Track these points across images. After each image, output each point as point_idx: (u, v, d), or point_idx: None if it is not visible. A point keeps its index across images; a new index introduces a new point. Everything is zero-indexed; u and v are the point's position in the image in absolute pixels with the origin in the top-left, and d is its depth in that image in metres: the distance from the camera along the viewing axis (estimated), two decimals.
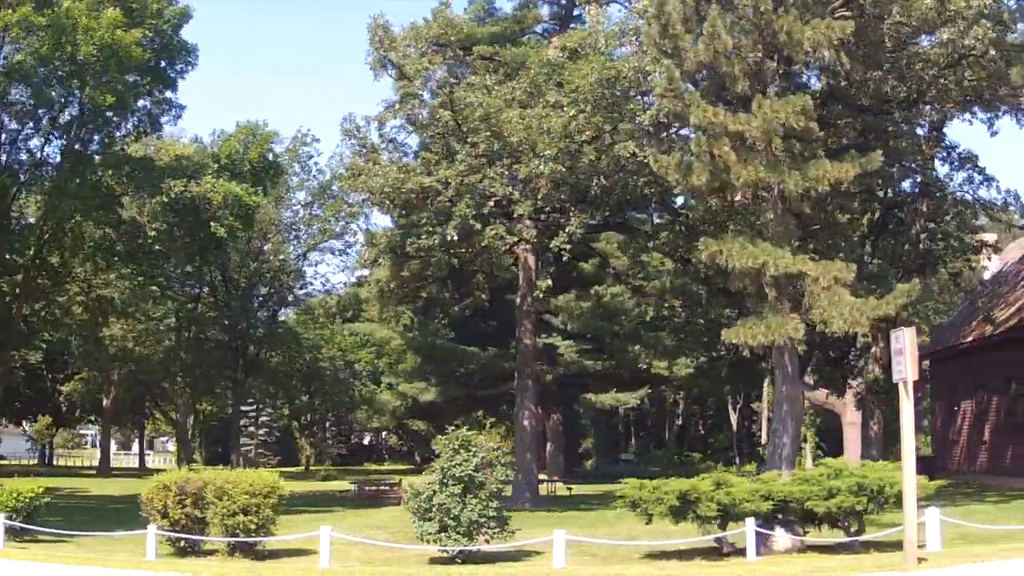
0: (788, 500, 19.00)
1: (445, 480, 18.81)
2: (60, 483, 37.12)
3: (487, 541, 19.00)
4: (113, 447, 55.15)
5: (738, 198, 22.53)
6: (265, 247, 30.85)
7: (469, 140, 24.70)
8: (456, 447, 18.98)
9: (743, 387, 44.13)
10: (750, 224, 23.04)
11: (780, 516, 19.27)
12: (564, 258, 26.08)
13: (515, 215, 25.16)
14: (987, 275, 34.36)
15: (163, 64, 26.21)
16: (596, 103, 22.89)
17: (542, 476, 35.86)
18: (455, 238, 24.30)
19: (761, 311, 21.95)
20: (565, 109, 23.40)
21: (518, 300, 28.77)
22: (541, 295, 27.49)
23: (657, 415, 54.17)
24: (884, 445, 37.55)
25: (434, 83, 25.90)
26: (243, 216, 26.69)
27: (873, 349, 29.32)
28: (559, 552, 18.01)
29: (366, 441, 69.29)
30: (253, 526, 19.55)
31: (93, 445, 68.64)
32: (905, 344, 14.33)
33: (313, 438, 56.15)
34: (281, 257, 30.71)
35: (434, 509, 18.81)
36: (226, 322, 30.61)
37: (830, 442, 43.24)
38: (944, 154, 29.73)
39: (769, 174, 21.15)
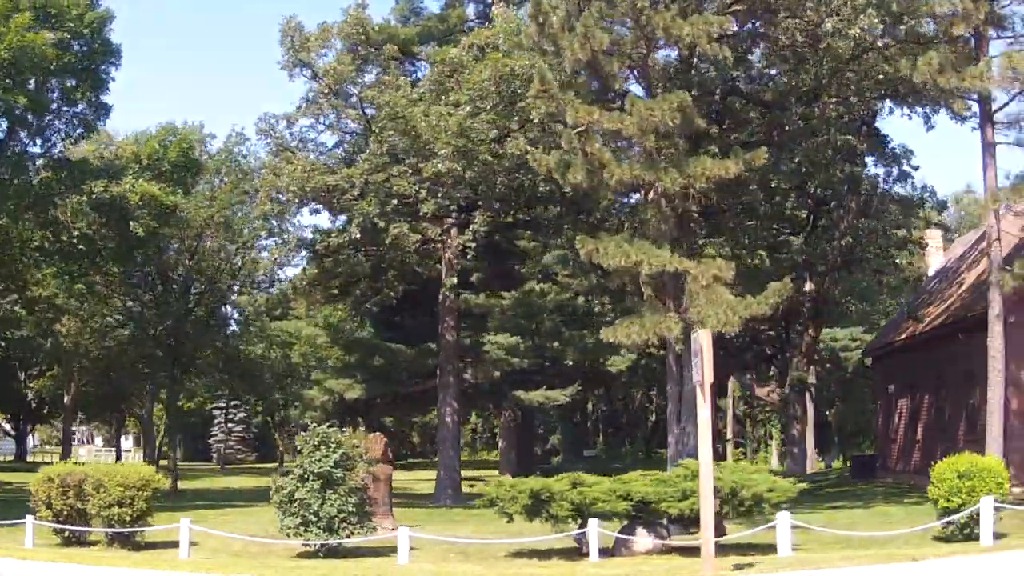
0: (646, 501, 18.99)
1: (305, 476, 19.15)
2: None
3: (348, 535, 19.30)
4: (99, 443, 56.46)
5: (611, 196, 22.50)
6: (204, 245, 31.34)
7: (374, 139, 24.93)
8: (316, 444, 19.29)
9: None
10: (642, 222, 23.00)
11: (642, 516, 19.29)
12: (476, 255, 26.19)
13: (421, 213, 25.39)
14: (931, 271, 33.73)
15: (94, 66, 26.85)
16: (492, 102, 22.97)
17: (494, 472, 36.12)
18: (358, 236, 24.62)
19: (640, 310, 21.95)
20: (461, 107, 23.53)
21: (440, 297, 28.98)
22: (448, 292, 27.65)
23: (627, 412, 54.13)
24: (824, 441, 37.26)
25: (344, 83, 26.20)
26: (161, 215, 27.24)
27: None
28: (403, 549, 18.31)
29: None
30: (128, 518, 20.05)
31: (82, 442, 70.07)
32: (702, 346, 14.27)
33: (290, 435, 56.90)
34: (223, 256, 31.14)
35: (296, 504, 19.18)
36: (162, 320, 31.28)
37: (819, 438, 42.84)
38: (878, 150, 29.36)
39: (644, 172, 21.14)
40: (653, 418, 53.14)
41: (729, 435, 41.90)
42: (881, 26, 21.59)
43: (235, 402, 53.98)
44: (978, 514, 19.29)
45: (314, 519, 18.94)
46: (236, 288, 33.29)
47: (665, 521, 19.68)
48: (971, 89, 21.03)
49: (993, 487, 19.37)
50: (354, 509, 19.27)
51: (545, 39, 21.81)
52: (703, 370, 14.05)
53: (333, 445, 19.25)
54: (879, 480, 30.66)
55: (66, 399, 45.72)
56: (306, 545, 19.36)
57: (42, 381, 46.49)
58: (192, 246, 29.83)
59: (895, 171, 26.43)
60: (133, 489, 20.11)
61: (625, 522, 19.50)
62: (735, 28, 22.19)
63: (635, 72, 22.50)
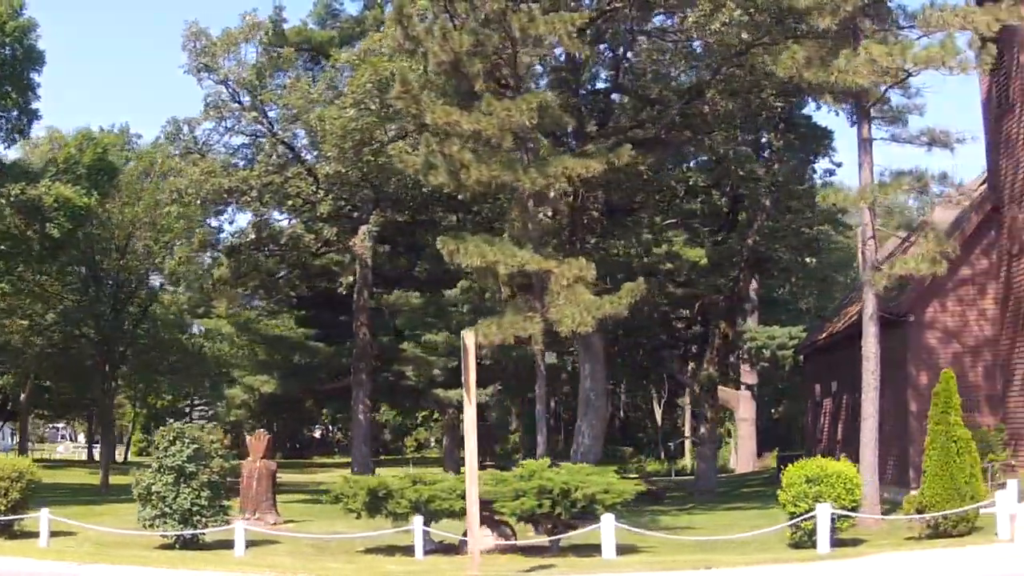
0: (485, 500, 19.07)
1: (161, 469, 19.67)
2: None
3: (204, 527, 19.75)
4: (81, 439, 57.75)
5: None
6: (134, 245, 32.05)
7: (268, 141, 25.32)
8: (172, 439, 19.79)
9: (664, 382, 43.60)
10: (510, 223, 23.05)
11: (488, 514, 19.36)
12: (392, 254, 26.45)
13: (318, 214, 25.72)
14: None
15: (19, 72, 27.64)
16: (375, 105, 23.19)
17: (438, 469, 36.32)
18: (252, 237, 25.00)
19: (503, 309, 22.02)
20: (346, 110, 23.79)
21: (355, 295, 29.30)
22: (345, 292, 27.97)
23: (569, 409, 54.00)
24: (766, 440, 36.83)
25: (246, 87, 26.59)
26: (76, 217, 27.95)
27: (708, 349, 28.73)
28: (239, 543, 18.73)
29: (317, 434, 70.82)
30: (2, 507, 20.77)
31: (64, 439, 71.19)
32: (468, 347, 14.36)
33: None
34: (154, 257, 31.79)
35: (154, 497, 19.71)
36: (93, 319, 32.11)
37: (766, 436, 42.36)
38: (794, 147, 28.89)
39: (502, 173, 21.17)
40: (622, 415, 52.95)
41: (687, 433, 41.59)
42: (745, 19, 21.30)
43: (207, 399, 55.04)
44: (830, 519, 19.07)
45: (169, 511, 19.50)
46: (161, 287, 33.88)
47: (515, 520, 19.84)
48: (838, 84, 20.64)
49: (841, 492, 19.08)
50: (206, 502, 19.73)
51: (409, 41, 21.94)
52: (469, 370, 14.14)
53: (187, 440, 19.76)
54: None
55: (22, 397, 46.97)
56: (164, 536, 19.91)
57: (5, 379, 47.77)
58: (123, 246, 30.55)
59: (815, 166, 25.98)
60: (8, 480, 20.85)
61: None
62: (602, 25, 22.01)
63: (505, 72, 22.49)
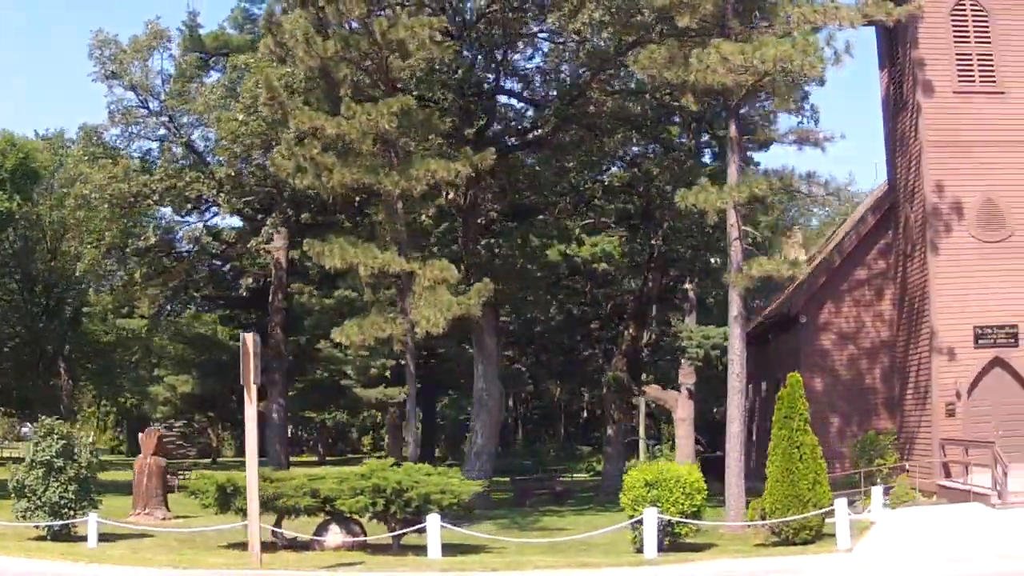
0: (329, 498, 19.34)
1: (32, 464, 20.32)
2: None
3: (72, 518, 20.31)
4: None
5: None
6: (65, 248, 32.69)
7: (165, 146, 25.80)
8: (43, 435, 20.43)
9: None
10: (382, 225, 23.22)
11: (330, 511, 19.59)
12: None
13: (221, 216, 26.22)
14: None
15: None
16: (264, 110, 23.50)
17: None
18: (152, 241, 25.52)
19: (369, 310, 22.25)
20: (237, 115, 24.17)
21: (270, 296, 29.73)
22: (246, 293, 28.39)
23: (550, 408, 53.68)
24: (712, 442, 36.31)
25: (151, 93, 27.07)
26: None
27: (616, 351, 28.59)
28: (92, 535, 19.28)
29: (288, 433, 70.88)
30: None
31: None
32: (249, 349, 14.63)
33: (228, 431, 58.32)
34: (86, 259, 32.22)
35: (26, 490, 20.37)
36: (20, 320, 32.91)
37: (714, 437, 41.64)
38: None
39: (364, 176, 21.38)
40: (585, 415, 52.78)
41: (642, 432, 41.34)
42: (607, 19, 21.20)
43: None
44: (669, 524, 18.91)
45: (40, 504, 20.12)
46: (88, 288, 34.41)
47: (367, 518, 20.09)
48: (699, 83, 20.43)
49: (679, 497, 18.92)
50: (74, 496, 20.31)
51: (279, 48, 22.23)
52: (249, 371, 14.43)
53: (56, 436, 20.38)
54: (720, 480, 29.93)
55: None
56: (37, 528, 20.55)
57: None
58: (53, 248, 31.29)
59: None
60: None
61: (327, 518, 19.96)
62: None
63: (377, 77, 22.67)
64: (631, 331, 29.31)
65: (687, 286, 31.16)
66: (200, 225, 26.14)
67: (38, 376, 34.04)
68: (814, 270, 25.56)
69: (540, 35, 22.05)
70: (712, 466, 32.05)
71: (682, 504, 18.53)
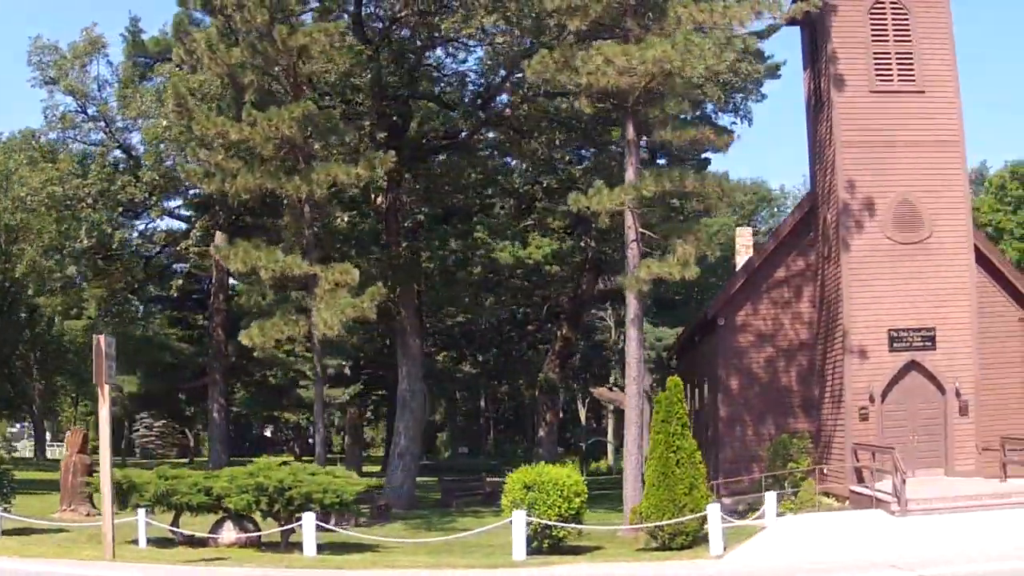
0: (220, 496, 19.74)
1: None
2: None
3: None
4: (48, 437, 60.31)
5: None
6: (14, 251, 33.00)
7: (99, 151, 26.36)
8: None
9: (591, 382, 43.08)
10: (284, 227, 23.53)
11: (226, 509, 19.96)
12: None
13: (152, 218, 26.67)
14: (737, 270, 32.08)
15: None
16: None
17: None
18: (86, 244, 26.16)
19: (275, 311, 22.61)
20: (160, 121, 24.65)
21: (211, 297, 30.22)
22: (176, 294, 28.92)
23: (520, 409, 53.60)
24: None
25: (88, 98, 27.64)
26: None
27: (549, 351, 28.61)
28: None
29: (268, 433, 71.77)
30: None
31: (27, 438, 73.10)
32: (102, 350, 15.11)
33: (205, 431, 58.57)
34: (25, 260, 32.28)
35: None
36: None
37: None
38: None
39: (266, 180, 21.74)
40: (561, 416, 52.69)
41: (610, 436, 41.13)
42: (503, 23, 21.29)
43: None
44: (543, 527, 18.94)
45: None
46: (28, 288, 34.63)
47: (259, 516, 20.46)
48: (592, 85, 20.42)
49: (556, 500, 18.94)
50: None
51: (189, 56, 22.68)
52: (101, 371, 14.95)
53: None
54: None
55: None
56: None
57: None
58: (7, 250, 31.76)
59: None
60: None
61: (223, 515, 20.38)
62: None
63: (286, 81, 22.98)
64: (564, 332, 29.33)
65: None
66: (136, 227, 26.75)
67: (4, 378, 34.89)
68: (735, 272, 25.43)
69: (448, 40, 22.15)
70: None
71: (559, 507, 18.58)
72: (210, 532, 20.19)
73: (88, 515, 24.76)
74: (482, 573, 16.99)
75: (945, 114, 23.74)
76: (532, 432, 55.56)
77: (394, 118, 23.77)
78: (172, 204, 27.47)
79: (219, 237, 26.98)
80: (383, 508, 24.49)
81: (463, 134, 24.53)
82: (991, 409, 26.27)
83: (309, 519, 18.39)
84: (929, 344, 23.18)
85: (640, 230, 21.05)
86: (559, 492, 18.60)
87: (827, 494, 23.42)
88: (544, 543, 18.77)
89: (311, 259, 21.90)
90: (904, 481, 20.71)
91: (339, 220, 24.72)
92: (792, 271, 25.07)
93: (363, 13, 23.34)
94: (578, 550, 19.37)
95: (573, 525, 18.73)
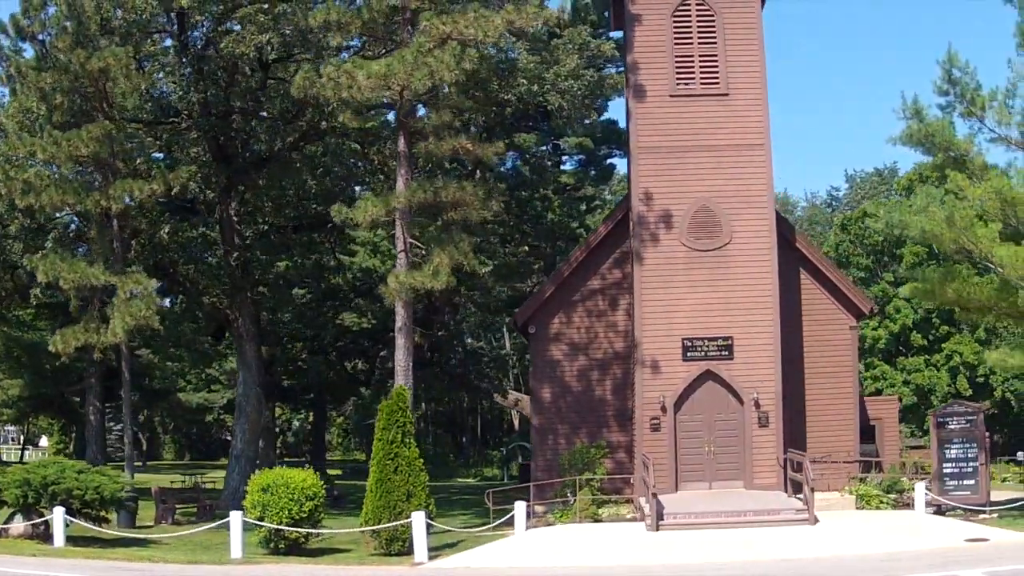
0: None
1: None
2: None
3: None
4: (43, 442, 63.49)
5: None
6: None
7: None
8: None
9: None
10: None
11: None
12: None
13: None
14: None
15: None
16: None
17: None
18: None
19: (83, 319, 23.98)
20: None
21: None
22: (35, 302, 30.31)
23: (456, 414, 53.34)
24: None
25: None
26: None
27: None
28: None
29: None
30: None
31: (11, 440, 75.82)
32: None
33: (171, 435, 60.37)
34: None
35: None
36: None
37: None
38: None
39: (66, 196, 23.17)
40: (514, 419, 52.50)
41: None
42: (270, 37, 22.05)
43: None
44: (277, 531, 19.50)
45: None
46: None
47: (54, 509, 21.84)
48: (352, 100, 20.93)
49: (287, 503, 19.45)
50: None
51: (8, 78, 24.34)
52: None
53: None
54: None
55: None
56: None
57: None
58: None
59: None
60: None
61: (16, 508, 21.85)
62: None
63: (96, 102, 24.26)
64: (416, 339, 29.59)
65: None
66: None
67: None
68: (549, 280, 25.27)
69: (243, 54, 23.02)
70: (526, 472, 31.87)
71: (290, 509, 19.17)
72: (3, 524, 21.74)
73: None
74: (187, 568, 17.81)
75: (749, 117, 23.10)
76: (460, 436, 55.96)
77: (219, 135, 24.78)
78: None
79: (15, 246, 27.82)
80: (208, 507, 25.55)
81: (280, 148, 25.34)
82: (826, 418, 25.37)
83: (59, 512, 19.62)
84: (726, 353, 22.58)
85: (409, 240, 21.44)
86: (290, 495, 19.20)
87: (630, 501, 23.11)
88: (280, 544, 19.43)
89: (115, 269, 23.16)
90: (655, 495, 20.32)
91: (163, 232, 25.96)
92: (608, 281, 24.72)
93: (186, 35, 24.54)
94: (317, 552, 19.92)
95: (300, 529, 19.17)
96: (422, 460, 19.30)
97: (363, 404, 45.69)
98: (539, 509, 23.60)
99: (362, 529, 19.28)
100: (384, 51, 22.83)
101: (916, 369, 41.62)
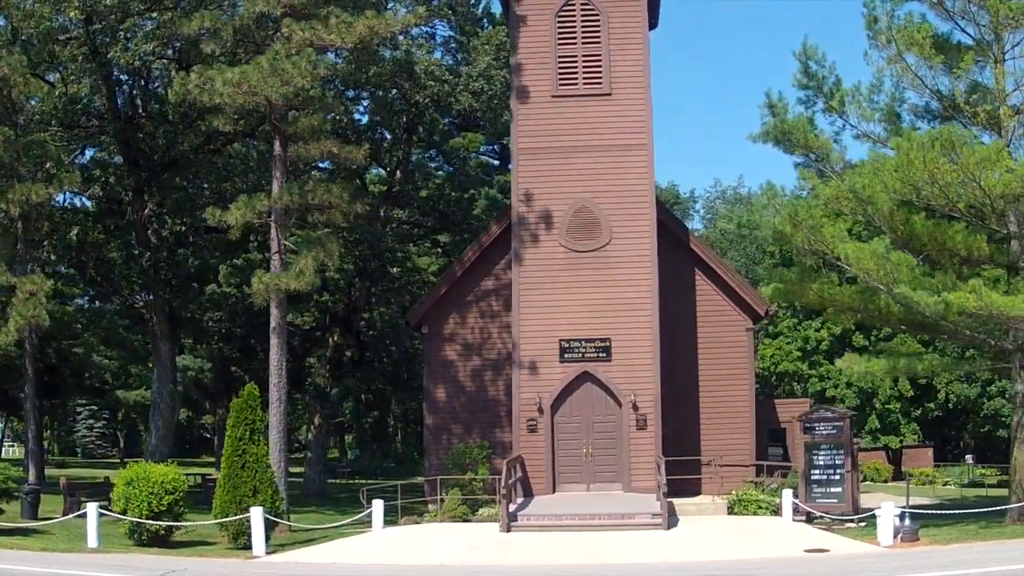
0: None
1: None
2: None
3: None
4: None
5: None
6: None
7: None
8: None
9: None
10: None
11: None
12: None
13: None
14: None
15: None
16: None
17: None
18: None
19: None
20: None
21: None
22: None
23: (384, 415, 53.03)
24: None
25: None
26: None
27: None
28: None
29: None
30: None
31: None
32: None
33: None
34: None
35: None
36: None
37: None
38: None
39: None
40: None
41: None
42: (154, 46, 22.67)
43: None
44: (138, 523, 20.04)
45: None
46: None
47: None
48: (227, 104, 21.39)
49: (147, 496, 19.98)
50: None
51: None
52: None
53: None
54: None
55: None
56: None
57: None
58: None
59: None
60: None
61: None
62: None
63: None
64: (335, 339, 29.98)
65: None
66: None
67: None
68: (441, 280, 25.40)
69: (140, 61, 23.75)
70: None
71: (151, 503, 19.73)
72: None
73: None
74: (42, 555, 18.45)
75: (632, 117, 22.96)
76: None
77: (127, 139, 25.52)
78: None
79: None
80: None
81: (183, 151, 26.02)
82: (720, 421, 24.97)
83: None
84: (603, 355, 22.49)
85: (283, 242, 21.86)
86: (150, 489, 19.76)
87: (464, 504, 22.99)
88: (143, 535, 20.00)
89: (16, 271, 24.05)
90: (507, 497, 20.25)
91: (72, 233, 26.84)
92: (503, 281, 24.71)
93: (98, 41, 25.34)
94: (178, 544, 20.43)
95: (154, 521, 19.67)
96: (268, 457, 19.68)
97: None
98: (431, 507, 23.76)
99: (214, 523, 19.78)
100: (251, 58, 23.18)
101: None
